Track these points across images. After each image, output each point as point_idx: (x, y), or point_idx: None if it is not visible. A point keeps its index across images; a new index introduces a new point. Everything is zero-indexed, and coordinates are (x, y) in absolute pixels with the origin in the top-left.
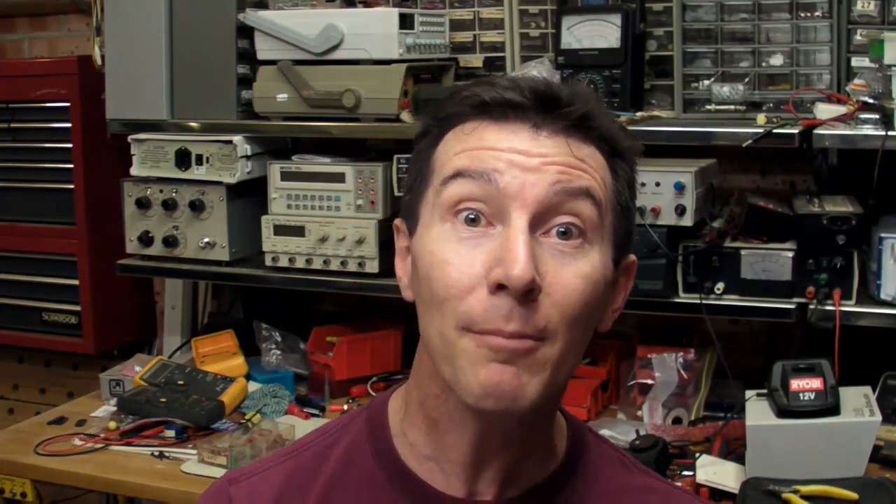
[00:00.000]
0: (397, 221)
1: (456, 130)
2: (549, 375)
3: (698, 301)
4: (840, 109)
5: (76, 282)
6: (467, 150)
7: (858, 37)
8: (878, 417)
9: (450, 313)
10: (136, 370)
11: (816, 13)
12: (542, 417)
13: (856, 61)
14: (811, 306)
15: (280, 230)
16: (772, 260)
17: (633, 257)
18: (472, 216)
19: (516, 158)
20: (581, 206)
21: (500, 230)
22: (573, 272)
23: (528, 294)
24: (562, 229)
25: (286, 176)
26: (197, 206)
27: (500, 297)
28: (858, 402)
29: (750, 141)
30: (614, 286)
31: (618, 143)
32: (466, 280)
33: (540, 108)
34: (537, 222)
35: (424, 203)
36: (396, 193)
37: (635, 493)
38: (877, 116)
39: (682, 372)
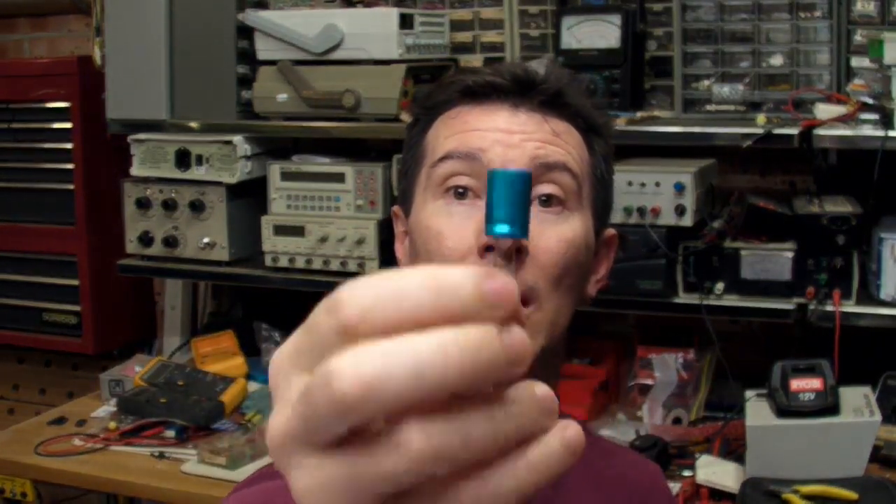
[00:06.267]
0: (395, 208)
1: (443, 117)
2: (543, 338)
3: (698, 301)
4: (840, 109)
5: (76, 282)
6: (455, 133)
7: (858, 37)
8: (878, 417)
9: None
10: (136, 370)
11: (816, 13)
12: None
13: (856, 61)
14: (811, 306)
15: (280, 230)
16: (772, 260)
17: (613, 231)
18: (460, 190)
19: (499, 136)
20: (559, 177)
21: None
22: (555, 235)
23: (516, 254)
24: (543, 198)
25: (286, 176)
26: (197, 207)
27: (490, 258)
28: (858, 402)
29: (750, 141)
30: (596, 255)
31: (592, 120)
32: (460, 248)
33: (518, 89)
34: None
35: (418, 185)
36: (396, 193)
37: (603, 459)
38: (877, 116)
39: (682, 372)
